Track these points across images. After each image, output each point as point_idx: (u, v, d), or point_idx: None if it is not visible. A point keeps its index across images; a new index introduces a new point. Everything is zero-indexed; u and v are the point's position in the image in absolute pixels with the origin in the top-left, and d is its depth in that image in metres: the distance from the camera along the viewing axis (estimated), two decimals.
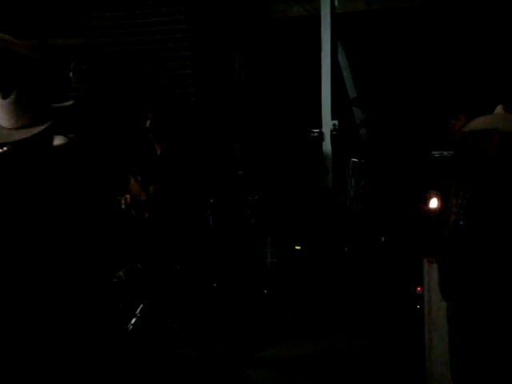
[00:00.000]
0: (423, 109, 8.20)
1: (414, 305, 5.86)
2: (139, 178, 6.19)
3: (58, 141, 3.33)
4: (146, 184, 6.17)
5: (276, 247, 7.62)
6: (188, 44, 7.81)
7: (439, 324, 4.93)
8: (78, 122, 6.91)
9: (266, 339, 6.63)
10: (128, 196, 6.14)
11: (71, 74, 8.23)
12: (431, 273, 5.00)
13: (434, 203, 5.34)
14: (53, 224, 2.98)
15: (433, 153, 6.51)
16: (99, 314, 3.13)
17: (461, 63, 8.21)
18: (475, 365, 3.85)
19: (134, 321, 5.96)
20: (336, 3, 8.16)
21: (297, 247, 7.63)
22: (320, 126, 8.15)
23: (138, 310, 6.00)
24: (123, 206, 6.16)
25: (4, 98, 3.12)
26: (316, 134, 8.09)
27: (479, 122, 3.94)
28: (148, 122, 6.29)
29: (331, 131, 7.98)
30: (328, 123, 8.10)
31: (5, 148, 3.04)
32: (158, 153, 6.38)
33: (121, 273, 6.43)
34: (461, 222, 3.87)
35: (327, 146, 8.07)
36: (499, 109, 3.94)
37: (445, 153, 6.34)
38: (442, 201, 5.09)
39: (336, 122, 8.07)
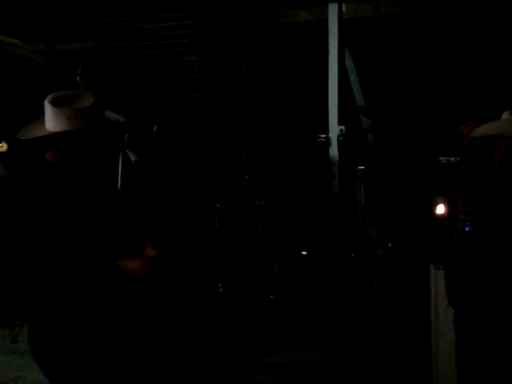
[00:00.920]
0: (430, 114, 8.19)
1: (420, 310, 5.85)
2: None
3: None
4: None
5: (282, 252, 7.61)
6: (195, 49, 7.82)
7: (446, 330, 4.91)
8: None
9: (272, 345, 6.62)
10: None
11: (78, 78, 8.24)
12: (438, 279, 4.99)
13: (440, 209, 5.33)
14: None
15: (440, 159, 6.51)
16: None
17: (468, 69, 8.20)
18: (482, 371, 3.84)
19: None
20: (343, 9, 8.18)
21: (303, 253, 7.62)
22: (327, 132, 8.16)
23: None
24: None
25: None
26: (323, 140, 8.10)
27: (486, 129, 3.94)
28: (155, 127, 6.30)
29: (338, 136, 8.00)
30: (335, 128, 8.11)
31: None
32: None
33: None
34: (466, 228, 3.86)
35: (334, 151, 8.08)
36: (506, 115, 3.94)
37: (452, 159, 6.33)
38: (449, 207, 5.09)
39: (343, 127, 8.08)
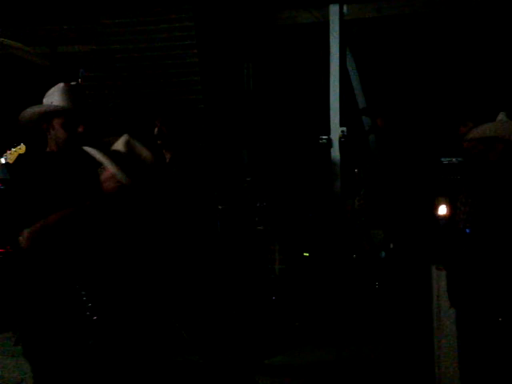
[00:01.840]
0: (432, 115, 8.20)
1: (422, 311, 5.85)
2: None
3: None
4: None
5: (284, 254, 7.61)
6: (197, 51, 7.82)
7: (448, 330, 4.92)
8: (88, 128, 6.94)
9: (274, 346, 6.62)
10: None
11: (80, 80, 8.25)
12: (440, 280, 4.99)
13: (442, 210, 5.33)
14: None
15: (441, 159, 6.50)
16: None
17: (470, 70, 8.21)
18: (484, 370, 3.84)
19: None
20: (345, 10, 8.18)
21: (305, 254, 7.62)
22: (328, 133, 8.16)
23: None
24: None
25: None
26: (324, 141, 8.10)
27: (481, 130, 3.95)
28: (156, 130, 6.30)
29: (340, 138, 8.00)
30: (336, 130, 8.11)
31: None
32: (167, 160, 6.38)
33: None
34: (466, 230, 3.87)
35: (335, 152, 8.07)
36: (501, 116, 3.94)
37: (453, 159, 6.33)
38: (451, 207, 5.09)
39: (344, 128, 8.08)
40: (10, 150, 7.00)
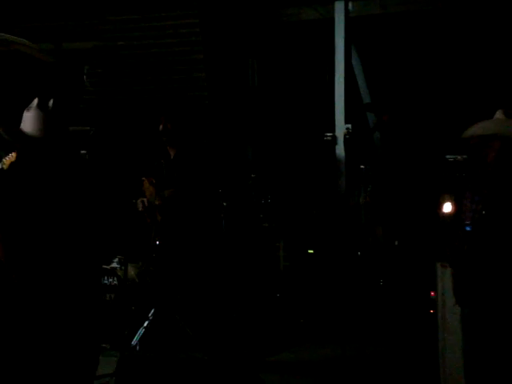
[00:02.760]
0: (437, 112, 8.18)
1: (427, 309, 5.85)
2: (154, 181, 6.20)
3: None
4: (161, 187, 6.17)
5: (289, 251, 7.61)
6: (202, 47, 7.82)
7: (453, 329, 4.91)
8: (93, 126, 6.96)
9: (279, 343, 6.62)
10: (145, 199, 6.15)
11: (85, 77, 8.26)
12: (445, 277, 4.98)
13: (447, 207, 5.32)
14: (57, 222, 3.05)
15: (447, 157, 6.49)
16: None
17: (476, 67, 8.19)
18: (490, 369, 3.84)
19: (146, 323, 5.96)
20: (350, 7, 8.17)
21: (310, 251, 7.62)
22: (333, 130, 8.15)
23: (151, 312, 6.00)
24: (140, 209, 6.17)
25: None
26: (329, 138, 8.08)
27: (478, 128, 3.93)
28: (161, 126, 6.30)
29: (344, 135, 7.97)
30: (341, 127, 8.10)
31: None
32: (172, 156, 6.39)
33: (133, 275, 6.44)
34: (467, 228, 3.87)
35: (340, 149, 8.07)
36: (499, 114, 3.93)
37: (459, 157, 6.31)
38: (456, 205, 5.08)
39: (349, 125, 8.07)
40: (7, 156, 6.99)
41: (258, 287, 7.26)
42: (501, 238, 3.72)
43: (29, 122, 3.40)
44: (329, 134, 8.13)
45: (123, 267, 6.11)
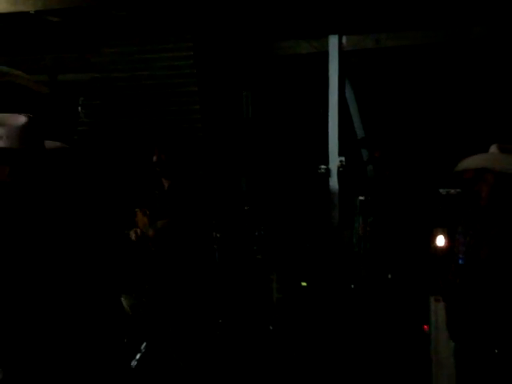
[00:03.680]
0: (430, 147, 8.22)
1: (420, 343, 5.83)
2: (147, 212, 6.19)
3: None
4: (154, 218, 6.16)
5: (282, 283, 7.59)
6: (196, 79, 7.86)
7: (446, 363, 4.89)
8: (87, 156, 6.98)
9: (272, 376, 6.57)
10: (139, 229, 6.13)
11: (80, 108, 8.28)
12: (438, 311, 4.98)
13: (440, 241, 5.33)
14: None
15: (440, 190, 6.52)
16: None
17: (470, 102, 8.25)
18: None
19: (138, 356, 5.92)
20: (344, 41, 8.24)
21: (303, 283, 7.60)
22: (327, 163, 8.18)
23: (143, 345, 5.96)
24: (133, 239, 6.15)
25: None
26: (323, 171, 8.12)
27: (472, 162, 3.95)
28: (155, 157, 6.31)
29: (338, 167, 8.03)
30: (335, 159, 8.14)
31: None
32: (166, 187, 6.39)
33: (126, 307, 6.41)
34: (460, 261, 3.87)
35: (334, 182, 8.10)
36: (493, 148, 3.94)
37: (452, 190, 6.35)
38: (449, 239, 5.09)
39: (343, 158, 8.11)
40: None
41: (251, 319, 7.23)
42: (493, 273, 3.72)
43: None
44: (323, 167, 8.17)
45: None
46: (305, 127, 9.12)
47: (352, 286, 7.09)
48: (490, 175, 3.83)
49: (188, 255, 6.24)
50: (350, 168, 8.07)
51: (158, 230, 6.10)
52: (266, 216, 7.90)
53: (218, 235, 6.92)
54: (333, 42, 8.25)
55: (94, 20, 8.18)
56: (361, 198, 6.94)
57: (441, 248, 5.34)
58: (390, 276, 6.47)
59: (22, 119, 3.24)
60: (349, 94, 8.94)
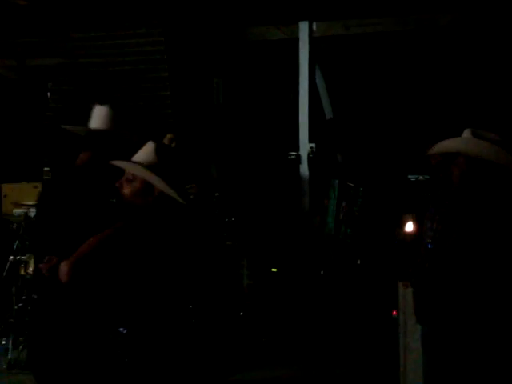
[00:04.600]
0: (399, 132, 8.27)
1: (389, 328, 5.88)
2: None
3: None
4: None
5: (252, 269, 7.60)
6: (166, 65, 7.82)
7: (414, 347, 4.94)
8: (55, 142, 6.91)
9: (241, 362, 6.60)
10: None
11: (49, 94, 8.20)
12: (406, 296, 5.02)
13: (409, 227, 5.37)
14: None
15: (408, 177, 6.57)
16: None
17: (437, 87, 8.30)
18: None
19: None
20: (314, 27, 8.24)
21: (273, 269, 7.62)
22: (297, 149, 8.19)
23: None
24: None
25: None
26: (293, 157, 8.13)
27: (444, 145, 3.97)
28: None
29: (308, 154, 8.04)
30: (305, 146, 8.15)
31: None
32: None
33: None
34: (429, 246, 3.90)
35: (304, 168, 8.11)
36: (466, 133, 3.96)
37: (420, 177, 6.39)
38: (418, 224, 5.12)
39: (313, 144, 8.12)
40: None
41: (221, 305, 7.24)
42: (460, 257, 3.75)
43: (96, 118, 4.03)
44: (293, 153, 8.18)
45: None
46: (275, 114, 9.11)
47: (321, 271, 7.12)
48: (462, 159, 3.85)
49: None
50: (320, 154, 8.09)
51: None
52: (237, 202, 7.90)
53: None
54: (303, 28, 8.25)
55: (62, 4, 8.10)
56: (351, 184, 6.90)
57: (409, 234, 5.38)
58: (359, 262, 6.51)
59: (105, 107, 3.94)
60: (319, 80, 8.95)
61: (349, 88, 8.88)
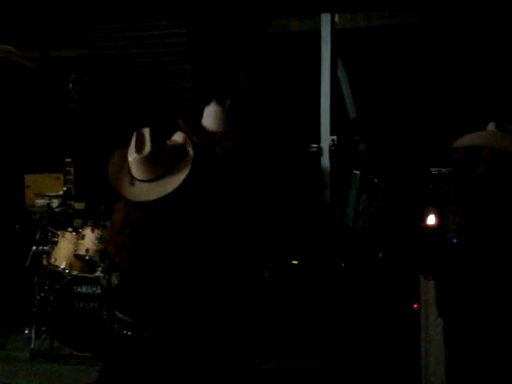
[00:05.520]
0: (422, 125, 8.23)
1: (410, 321, 5.86)
2: None
3: None
4: None
5: (273, 261, 7.61)
6: (188, 57, 7.83)
7: (436, 340, 4.93)
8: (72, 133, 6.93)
9: (261, 355, 6.60)
10: None
11: (71, 85, 8.24)
12: (428, 290, 5.01)
13: (431, 220, 5.34)
14: None
15: (431, 169, 6.52)
16: None
17: (461, 80, 8.25)
18: (471, 381, 3.85)
19: None
20: (336, 19, 8.22)
21: (294, 262, 7.62)
22: (319, 141, 8.18)
23: None
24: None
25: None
26: (315, 149, 8.12)
27: (469, 139, 3.96)
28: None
29: (330, 146, 8.02)
30: (326, 138, 8.14)
31: None
32: None
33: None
34: (454, 240, 3.88)
35: (325, 161, 8.10)
36: (491, 126, 3.95)
37: (443, 169, 6.35)
38: (440, 218, 5.10)
39: (334, 137, 8.11)
40: None
41: (246, 297, 7.24)
42: (486, 252, 3.73)
43: (208, 117, 4.28)
44: (314, 146, 8.17)
45: (107, 276, 6.09)
46: (297, 106, 9.09)
47: (343, 264, 7.11)
48: (487, 152, 3.84)
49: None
50: (341, 147, 8.07)
51: None
52: (257, 195, 7.90)
53: None
54: (325, 20, 8.23)
55: None
56: (375, 180, 6.82)
57: (431, 227, 5.35)
58: (380, 255, 6.49)
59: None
60: (341, 72, 8.92)
61: (371, 80, 8.84)
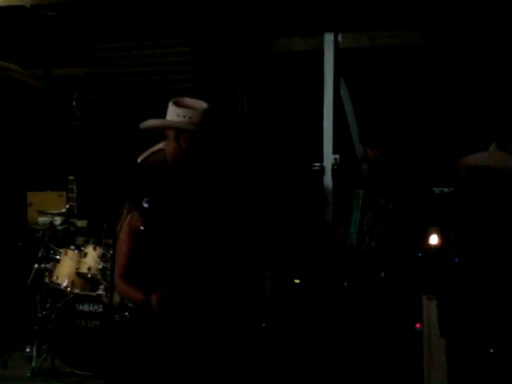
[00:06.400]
0: (424, 145, 8.23)
1: (412, 341, 5.84)
2: None
3: None
4: None
5: (275, 281, 7.60)
6: (192, 75, 7.85)
7: (438, 360, 4.91)
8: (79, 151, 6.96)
9: (264, 373, 6.58)
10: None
11: (74, 103, 8.26)
12: (430, 309, 5.00)
13: (434, 239, 5.34)
14: None
15: (433, 189, 6.53)
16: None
17: (464, 101, 8.26)
18: None
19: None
20: (339, 39, 8.24)
21: (296, 281, 7.61)
22: (321, 160, 8.19)
23: None
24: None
25: None
26: (317, 168, 8.12)
27: (473, 159, 3.98)
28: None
29: (332, 165, 8.03)
30: (329, 157, 8.15)
31: None
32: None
33: (119, 302, 6.39)
34: (456, 259, 3.88)
35: (328, 179, 8.10)
36: (493, 147, 3.97)
37: (445, 189, 6.36)
38: (442, 237, 5.10)
39: (337, 156, 8.12)
40: None
41: (244, 317, 7.23)
42: (489, 271, 3.73)
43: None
44: (317, 164, 8.18)
45: (109, 294, 6.07)
46: (299, 125, 9.11)
47: (345, 283, 7.08)
48: (490, 173, 3.85)
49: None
50: (344, 166, 8.07)
51: None
52: (260, 213, 7.90)
53: None
54: (328, 39, 8.25)
55: (90, 14, 8.17)
56: (382, 200, 6.79)
57: (434, 247, 5.35)
58: (383, 274, 6.47)
59: (204, 105, 4.05)
60: (343, 91, 8.94)
61: (374, 100, 8.85)
